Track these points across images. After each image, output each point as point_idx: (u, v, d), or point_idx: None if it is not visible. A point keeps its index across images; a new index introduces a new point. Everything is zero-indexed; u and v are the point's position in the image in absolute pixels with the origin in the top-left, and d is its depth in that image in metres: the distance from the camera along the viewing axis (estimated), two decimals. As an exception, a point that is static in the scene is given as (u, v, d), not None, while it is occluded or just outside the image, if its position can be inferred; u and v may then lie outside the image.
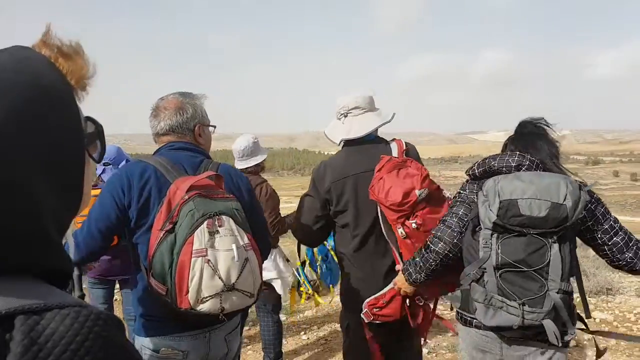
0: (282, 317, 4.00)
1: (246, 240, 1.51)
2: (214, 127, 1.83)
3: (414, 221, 1.87)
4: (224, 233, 1.45)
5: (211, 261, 1.40)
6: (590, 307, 4.06)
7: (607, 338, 3.57)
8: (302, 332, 4.28)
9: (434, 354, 3.73)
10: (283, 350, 3.39)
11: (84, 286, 2.29)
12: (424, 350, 3.57)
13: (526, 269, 1.53)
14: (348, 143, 2.18)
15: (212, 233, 1.42)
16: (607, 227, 1.68)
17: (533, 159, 1.69)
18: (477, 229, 1.67)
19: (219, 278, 1.40)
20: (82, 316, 0.46)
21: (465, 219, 1.75)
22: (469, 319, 1.77)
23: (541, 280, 1.53)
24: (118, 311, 3.98)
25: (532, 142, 1.76)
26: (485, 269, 1.59)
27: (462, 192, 1.87)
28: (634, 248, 1.68)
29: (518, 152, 1.71)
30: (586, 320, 1.81)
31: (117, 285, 3.27)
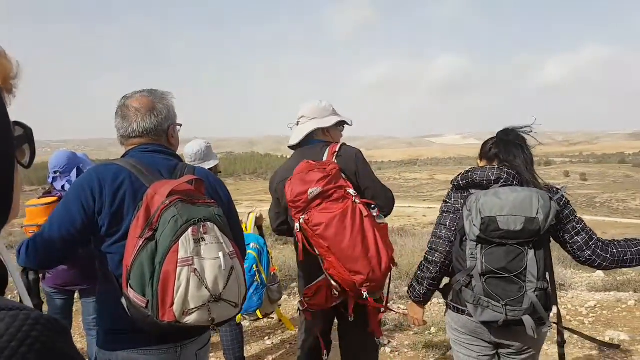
0: (246, 322, 3.88)
1: (231, 247, 1.41)
2: (180, 125, 1.71)
3: (304, 216, 1.98)
4: (210, 240, 1.35)
5: (198, 270, 1.30)
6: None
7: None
8: (266, 337, 4.14)
9: (396, 353, 3.75)
10: (246, 356, 3.26)
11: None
12: (387, 350, 3.75)
13: (507, 275, 1.72)
14: (293, 148, 2.36)
15: (198, 241, 1.33)
16: (569, 227, 1.87)
17: (510, 171, 1.89)
18: (463, 239, 1.84)
19: (206, 288, 1.31)
20: (18, 320, 0.42)
21: (453, 228, 1.94)
22: (461, 308, 1.95)
23: (520, 282, 1.72)
24: (77, 322, 3.82)
25: (512, 150, 1.94)
26: (472, 275, 1.77)
27: (447, 201, 2.04)
28: (593, 247, 1.85)
29: (497, 167, 1.92)
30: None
31: (77, 295, 3.03)
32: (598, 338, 3.99)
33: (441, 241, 2.00)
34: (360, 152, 2.27)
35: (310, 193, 1.97)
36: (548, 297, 1.79)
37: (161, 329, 1.34)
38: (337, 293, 2.11)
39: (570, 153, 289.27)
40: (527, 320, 1.74)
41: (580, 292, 5.76)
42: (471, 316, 1.89)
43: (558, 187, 2.00)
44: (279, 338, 4.20)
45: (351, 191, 2.03)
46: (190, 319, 1.32)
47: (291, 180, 2.07)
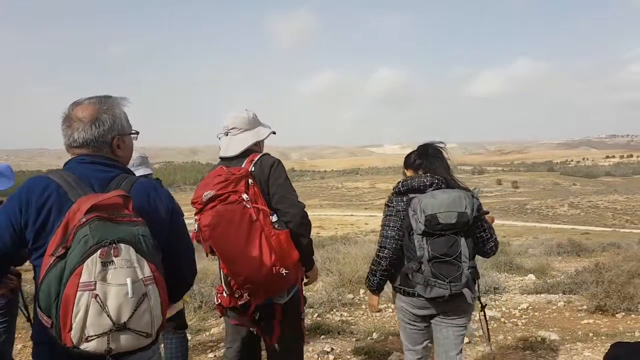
0: (188, 336, 3.74)
1: (147, 272, 1.30)
2: (137, 133, 1.65)
3: (197, 217, 2.15)
4: (120, 264, 1.25)
5: (100, 296, 1.21)
6: (480, 305, 4.60)
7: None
8: (209, 351, 4.09)
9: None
10: (189, 371, 3.12)
11: None
12: (330, 357, 3.82)
13: (448, 259, 2.20)
14: (222, 159, 2.41)
15: (106, 263, 1.24)
16: (479, 223, 2.33)
17: (440, 177, 2.37)
18: (410, 234, 2.27)
19: (108, 316, 1.22)
20: None
21: (397, 228, 2.35)
22: (410, 291, 2.35)
23: (458, 264, 2.20)
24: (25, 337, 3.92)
25: (433, 161, 2.44)
26: (422, 262, 2.21)
27: (390, 205, 2.43)
28: (492, 243, 2.40)
29: (429, 174, 2.39)
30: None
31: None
32: (530, 339, 4.18)
33: (389, 240, 2.38)
34: (279, 162, 2.33)
35: (205, 196, 2.09)
36: (476, 273, 2.33)
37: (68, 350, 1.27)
38: (241, 293, 2.17)
39: (502, 162, 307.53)
40: (467, 292, 2.24)
41: (514, 294, 5.97)
42: (420, 296, 2.29)
43: (471, 189, 2.46)
44: (222, 352, 4.02)
45: (244, 196, 2.10)
46: (89, 346, 1.24)
47: (198, 187, 2.22)
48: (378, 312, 2.58)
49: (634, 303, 4.88)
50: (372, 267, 2.47)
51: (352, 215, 74.06)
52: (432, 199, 2.25)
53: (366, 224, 57.09)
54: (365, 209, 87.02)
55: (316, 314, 4.98)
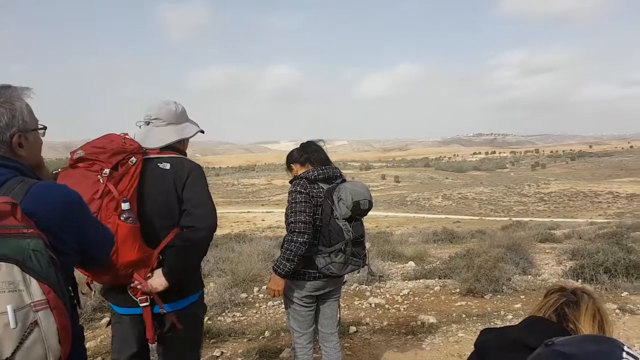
0: None
1: (38, 295, 1.09)
2: (44, 128, 1.45)
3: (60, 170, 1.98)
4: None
5: None
6: (367, 293, 5.52)
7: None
8: None
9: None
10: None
11: None
12: None
13: (361, 239, 2.58)
14: None
15: None
16: None
17: (337, 170, 2.69)
18: (330, 218, 2.50)
19: None
20: None
21: (311, 213, 2.50)
22: (313, 273, 2.58)
23: (364, 244, 2.63)
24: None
25: (323, 157, 2.69)
26: (347, 243, 2.50)
27: (303, 191, 2.53)
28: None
29: (331, 166, 2.66)
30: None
31: None
32: (411, 323, 4.51)
33: (307, 225, 2.47)
34: (201, 168, 2.18)
35: (77, 153, 1.92)
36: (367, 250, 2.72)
37: None
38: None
39: (385, 158, 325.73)
40: (371, 264, 2.67)
41: (396, 281, 6.32)
42: (320, 277, 2.58)
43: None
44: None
45: (106, 170, 1.90)
46: None
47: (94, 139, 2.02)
48: (280, 295, 2.61)
49: (499, 285, 5.49)
50: (288, 253, 2.47)
51: (248, 212, 73.18)
52: (356, 188, 2.56)
53: (263, 220, 56.98)
54: (262, 205, 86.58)
55: (207, 318, 4.83)
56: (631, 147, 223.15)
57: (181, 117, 2.23)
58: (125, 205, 1.88)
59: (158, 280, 1.99)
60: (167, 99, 2.25)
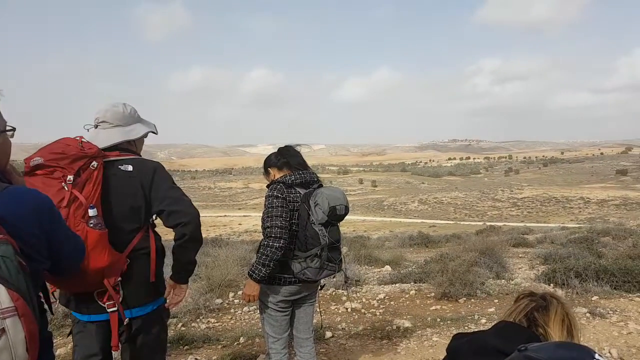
0: None
1: (6, 302, 1.05)
2: (13, 130, 1.39)
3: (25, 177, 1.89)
4: None
5: None
6: (343, 298, 5.50)
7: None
8: None
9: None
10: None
11: None
12: None
13: (337, 244, 2.56)
14: None
15: None
16: None
17: (314, 174, 2.67)
18: (307, 223, 2.47)
19: None
20: None
21: (288, 218, 2.48)
22: (289, 278, 2.56)
23: (340, 249, 2.61)
24: None
25: (300, 161, 2.68)
26: (323, 248, 2.48)
27: (280, 195, 2.50)
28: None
29: (308, 171, 2.66)
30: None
31: None
32: (387, 328, 4.52)
33: (284, 230, 2.45)
34: (162, 166, 2.18)
35: (34, 160, 1.87)
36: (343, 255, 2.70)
37: None
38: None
39: (363, 163, 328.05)
40: (345, 271, 2.84)
41: (372, 286, 6.34)
42: (297, 281, 2.57)
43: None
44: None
45: (70, 177, 1.87)
46: None
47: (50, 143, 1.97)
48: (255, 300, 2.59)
49: (473, 289, 5.56)
50: (264, 257, 2.45)
51: (225, 215, 72.52)
52: (333, 193, 2.55)
53: (240, 224, 56.55)
54: (239, 209, 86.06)
55: (180, 324, 4.74)
56: (601, 153, 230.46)
57: (130, 118, 2.20)
58: (92, 212, 1.87)
59: (179, 290, 2.19)
60: (116, 101, 2.22)
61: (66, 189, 1.84)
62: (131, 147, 2.19)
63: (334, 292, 5.81)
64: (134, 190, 2.02)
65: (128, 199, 2.01)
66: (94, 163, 1.94)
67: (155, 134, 2.32)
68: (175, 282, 2.17)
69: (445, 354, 1.46)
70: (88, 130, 2.19)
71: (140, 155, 2.22)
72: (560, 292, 5.55)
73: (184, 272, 2.17)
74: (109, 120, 2.14)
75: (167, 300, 2.19)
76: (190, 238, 2.05)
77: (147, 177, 2.05)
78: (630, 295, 5.29)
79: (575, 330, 1.43)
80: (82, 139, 1.99)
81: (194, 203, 2.14)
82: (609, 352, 3.70)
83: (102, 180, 1.96)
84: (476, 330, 1.57)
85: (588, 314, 4.62)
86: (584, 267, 5.93)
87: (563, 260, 7.26)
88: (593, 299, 5.21)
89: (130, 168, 2.05)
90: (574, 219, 58.41)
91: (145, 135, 2.28)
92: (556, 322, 1.40)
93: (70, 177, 1.86)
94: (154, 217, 2.13)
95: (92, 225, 1.84)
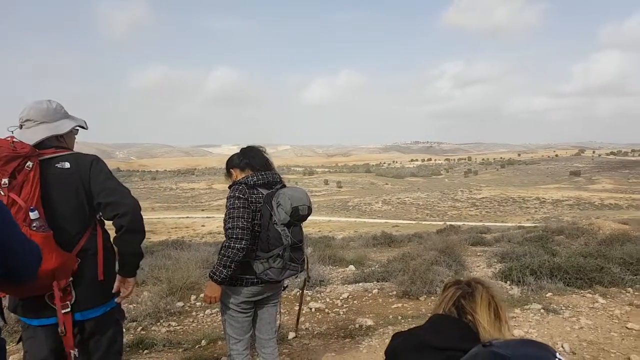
0: None
1: None
2: None
3: None
4: None
5: None
6: (307, 298, 5.58)
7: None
8: None
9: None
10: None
11: None
12: None
13: (300, 244, 2.56)
14: None
15: None
16: None
17: (277, 175, 2.66)
18: (269, 223, 2.47)
19: None
20: None
21: (250, 219, 2.46)
22: (251, 279, 2.53)
23: (302, 249, 2.60)
24: None
25: (263, 162, 2.65)
26: (285, 248, 2.48)
27: (242, 196, 2.48)
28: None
29: (271, 172, 2.64)
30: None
31: None
32: (350, 327, 4.56)
33: (245, 231, 2.42)
34: (99, 158, 2.12)
35: None
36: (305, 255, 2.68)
37: None
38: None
39: (328, 164, 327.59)
40: (307, 270, 2.78)
41: (336, 285, 6.39)
42: (259, 282, 2.54)
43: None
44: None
45: (4, 180, 1.81)
46: None
47: None
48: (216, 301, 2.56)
49: (433, 287, 5.68)
50: (225, 259, 2.43)
51: (187, 217, 71.07)
52: (295, 193, 2.54)
53: (203, 225, 55.43)
54: (203, 210, 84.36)
55: (140, 328, 4.61)
56: (556, 155, 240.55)
57: (56, 114, 2.12)
58: (33, 215, 1.80)
59: (127, 284, 2.11)
60: (40, 99, 2.15)
61: (2, 193, 1.78)
62: (62, 143, 2.11)
63: (298, 293, 5.80)
64: (74, 187, 1.97)
65: (70, 197, 1.96)
66: (29, 163, 1.88)
67: (85, 128, 2.24)
68: (122, 277, 2.11)
69: (384, 356, 1.48)
70: (12, 132, 2.08)
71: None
72: (516, 290, 5.75)
73: (128, 265, 2.10)
74: (33, 117, 2.06)
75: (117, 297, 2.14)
76: (128, 229, 1.99)
77: (86, 171, 2.00)
78: (582, 291, 5.52)
79: (502, 312, 1.47)
80: (14, 139, 1.92)
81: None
82: (562, 347, 3.86)
83: (40, 181, 1.89)
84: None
85: (542, 310, 4.80)
86: (538, 265, 6.17)
87: (519, 258, 7.53)
88: (547, 295, 5.42)
89: (67, 165, 1.99)
90: (530, 218, 60.57)
91: (76, 132, 2.21)
92: (483, 307, 1.44)
93: (5, 181, 1.80)
94: (100, 213, 2.07)
95: (35, 228, 1.79)
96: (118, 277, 2.10)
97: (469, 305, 1.46)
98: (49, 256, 1.81)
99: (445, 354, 1.32)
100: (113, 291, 2.10)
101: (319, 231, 36.31)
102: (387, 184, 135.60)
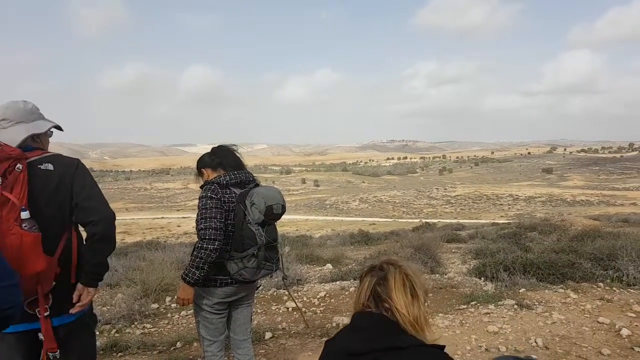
0: None
1: None
2: None
3: None
4: None
5: None
6: (284, 298, 5.47)
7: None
8: None
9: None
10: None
11: None
12: None
13: (275, 243, 2.54)
14: None
15: None
16: None
17: (250, 174, 2.64)
18: (248, 222, 2.43)
19: None
20: None
21: (223, 219, 2.42)
22: (225, 279, 2.51)
23: (277, 248, 2.57)
24: None
25: (235, 161, 2.64)
26: (260, 247, 2.44)
27: (215, 196, 2.45)
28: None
29: (244, 171, 2.63)
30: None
31: None
32: (326, 325, 4.55)
33: (218, 232, 2.38)
34: (81, 162, 2.10)
35: None
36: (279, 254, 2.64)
37: None
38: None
39: (305, 163, 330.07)
40: (283, 269, 2.71)
41: (314, 284, 6.35)
42: (234, 282, 2.51)
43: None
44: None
45: None
46: None
47: None
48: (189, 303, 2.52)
49: (409, 284, 5.73)
50: (198, 260, 2.38)
51: (162, 217, 69.97)
52: (268, 192, 2.52)
53: (179, 226, 54.70)
54: (178, 210, 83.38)
55: (114, 330, 4.51)
56: (529, 153, 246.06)
57: (32, 115, 2.09)
58: (25, 214, 1.78)
59: (87, 293, 1.98)
60: (15, 99, 2.12)
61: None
62: (38, 144, 2.08)
63: (275, 293, 5.77)
64: (56, 189, 1.93)
65: (52, 199, 1.92)
66: (19, 165, 1.85)
67: (61, 130, 2.22)
68: (84, 285, 1.99)
69: None
70: None
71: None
72: (490, 286, 5.84)
73: (92, 275, 2.00)
74: (10, 117, 2.02)
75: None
76: (100, 238, 1.96)
77: (69, 173, 1.98)
78: (554, 287, 5.63)
79: (419, 289, 1.39)
80: (0, 142, 1.89)
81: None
82: (535, 342, 3.92)
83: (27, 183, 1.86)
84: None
85: (516, 306, 4.89)
86: (512, 261, 6.27)
87: (493, 254, 7.67)
88: (520, 291, 5.51)
89: (51, 167, 1.95)
90: (503, 215, 62.02)
91: (51, 134, 2.17)
92: (398, 289, 1.37)
93: None
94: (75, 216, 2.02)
95: (27, 228, 1.76)
96: (79, 285, 2.00)
97: (385, 292, 1.37)
98: (39, 257, 1.79)
99: (369, 357, 1.23)
100: (73, 300, 1.99)
101: (297, 230, 36.28)
102: (364, 182, 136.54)
